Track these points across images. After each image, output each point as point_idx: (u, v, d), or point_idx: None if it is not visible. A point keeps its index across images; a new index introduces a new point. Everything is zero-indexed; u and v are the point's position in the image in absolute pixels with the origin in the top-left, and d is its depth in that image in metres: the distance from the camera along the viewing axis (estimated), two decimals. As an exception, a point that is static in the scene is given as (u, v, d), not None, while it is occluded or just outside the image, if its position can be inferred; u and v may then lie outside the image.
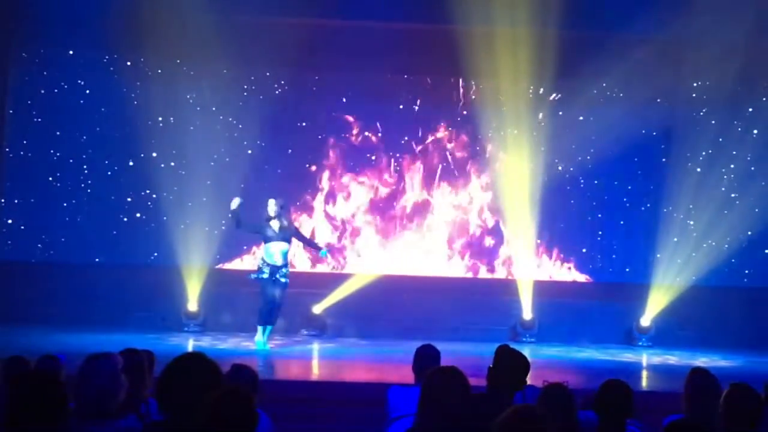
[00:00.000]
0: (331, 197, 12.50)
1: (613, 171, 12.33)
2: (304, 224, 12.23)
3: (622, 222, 12.48)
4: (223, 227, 11.72)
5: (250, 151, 12.00)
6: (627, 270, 12.46)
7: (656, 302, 11.80)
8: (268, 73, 12.23)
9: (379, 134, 12.53)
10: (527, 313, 11.79)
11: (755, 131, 12.21)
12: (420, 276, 12.34)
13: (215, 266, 11.87)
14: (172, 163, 11.90)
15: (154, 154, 11.84)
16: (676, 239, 12.07)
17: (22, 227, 11.95)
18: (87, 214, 11.95)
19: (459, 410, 3.46)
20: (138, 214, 12.01)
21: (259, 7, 10.59)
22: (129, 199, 12.01)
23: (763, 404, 4.00)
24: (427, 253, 12.54)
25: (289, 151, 12.34)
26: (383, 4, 10.94)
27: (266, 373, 7.90)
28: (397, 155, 12.56)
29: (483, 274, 12.52)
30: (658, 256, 12.03)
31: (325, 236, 12.40)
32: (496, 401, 3.80)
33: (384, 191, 12.55)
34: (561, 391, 3.95)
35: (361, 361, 9.70)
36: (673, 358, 10.56)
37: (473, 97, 12.48)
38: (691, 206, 12.05)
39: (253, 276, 9.64)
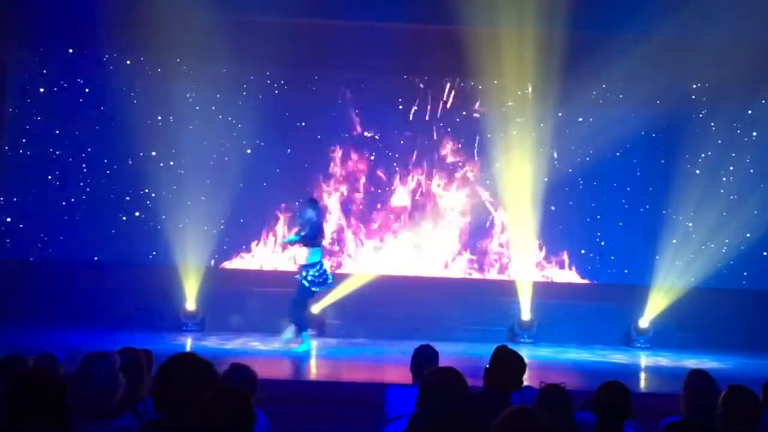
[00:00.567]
0: (330, 197, 12.47)
1: (613, 172, 12.33)
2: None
3: (621, 223, 12.45)
4: (222, 227, 11.72)
5: (249, 151, 11.98)
6: (625, 271, 12.44)
7: (655, 304, 11.79)
8: (267, 73, 12.22)
9: (379, 134, 12.52)
10: (525, 314, 11.79)
11: (754, 133, 12.21)
12: (418, 276, 12.33)
13: (214, 265, 11.87)
14: (171, 162, 11.89)
15: (153, 153, 11.82)
16: (675, 241, 12.07)
17: (21, 226, 11.92)
18: (86, 212, 11.92)
19: (456, 410, 3.46)
20: (137, 213, 11.98)
21: (259, 7, 10.59)
22: (128, 198, 11.98)
23: (761, 406, 4.00)
24: (425, 253, 12.53)
25: (288, 150, 12.32)
26: (383, 4, 10.93)
27: (265, 372, 7.89)
28: (397, 155, 12.55)
29: (481, 274, 12.51)
30: (657, 257, 12.02)
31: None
32: (493, 402, 3.80)
33: (383, 191, 12.54)
34: (558, 392, 3.95)
35: (359, 361, 9.71)
36: (671, 360, 10.56)
37: (473, 97, 12.47)
38: (690, 208, 12.03)
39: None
